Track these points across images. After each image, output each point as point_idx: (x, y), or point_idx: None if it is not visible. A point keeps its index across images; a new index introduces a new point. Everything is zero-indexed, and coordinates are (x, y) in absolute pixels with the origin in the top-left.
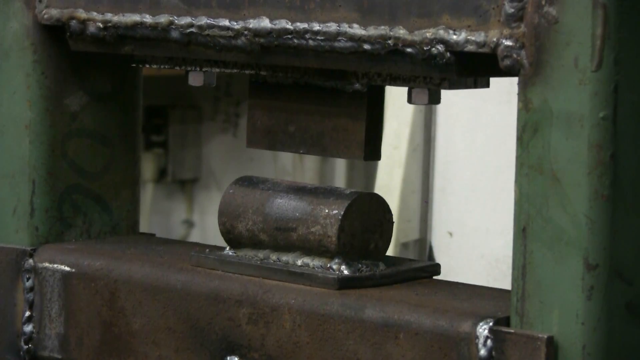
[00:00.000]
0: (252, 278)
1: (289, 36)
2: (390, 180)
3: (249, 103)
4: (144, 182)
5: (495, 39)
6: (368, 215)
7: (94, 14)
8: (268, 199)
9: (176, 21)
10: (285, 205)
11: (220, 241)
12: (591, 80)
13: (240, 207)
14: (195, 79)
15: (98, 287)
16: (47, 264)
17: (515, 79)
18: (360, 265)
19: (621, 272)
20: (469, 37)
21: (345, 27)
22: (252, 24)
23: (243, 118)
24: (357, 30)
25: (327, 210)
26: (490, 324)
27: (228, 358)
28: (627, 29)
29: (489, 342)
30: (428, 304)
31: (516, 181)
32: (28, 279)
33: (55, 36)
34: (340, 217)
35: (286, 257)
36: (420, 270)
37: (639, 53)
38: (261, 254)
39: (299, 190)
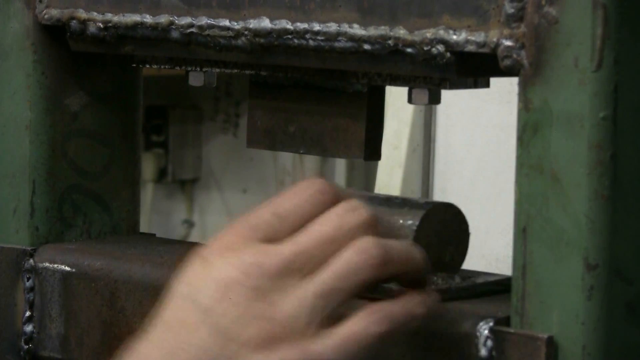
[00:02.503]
0: None
1: (289, 36)
2: (390, 180)
3: (249, 103)
4: (144, 182)
5: (495, 39)
6: (443, 226)
7: (94, 14)
8: None
9: (176, 21)
10: None
11: None
12: (591, 80)
13: None
14: (195, 79)
15: (98, 287)
16: (47, 264)
17: (515, 79)
18: (435, 278)
19: (621, 272)
20: (469, 37)
21: (345, 27)
22: (252, 24)
23: (243, 118)
24: (357, 30)
25: (401, 221)
26: (490, 324)
27: None
28: (627, 29)
29: (489, 342)
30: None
31: (516, 181)
32: (28, 279)
33: (55, 36)
34: (415, 227)
35: None
36: (497, 284)
37: (639, 53)
38: None
39: (371, 201)
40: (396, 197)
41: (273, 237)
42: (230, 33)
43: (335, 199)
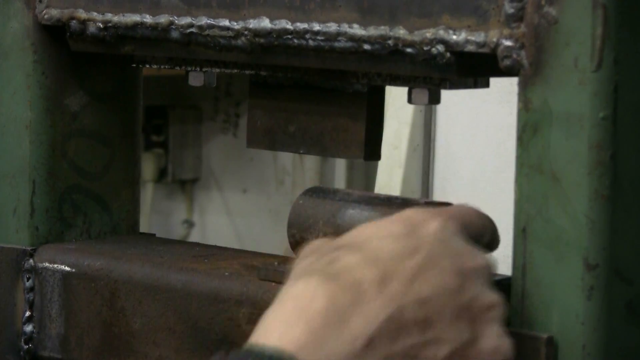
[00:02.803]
0: (252, 278)
1: (289, 36)
2: (390, 180)
3: (249, 103)
4: (144, 182)
5: (495, 39)
6: None
7: (94, 14)
8: (339, 210)
9: (176, 21)
10: (358, 216)
11: (220, 241)
12: (591, 80)
13: (310, 218)
14: (195, 79)
15: (98, 287)
16: (47, 264)
17: (515, 79)
18: None
19: (621, 272)
20: (469, 37)
21: (345, 27)
22: (252, 24)
23: (243, 118)
24: (357, 30)
25: None
26: None
27: None
28: (627, 29)
29: None
30: None
31: (516, 181)
32: (28, 279)
33: (55, 36)
34: None
35: None
36: (495, 284)
37: (639, 53)
38: None
39: (371, 201)
40: (396, 197)
41: None
42: (230, 33)
43: None
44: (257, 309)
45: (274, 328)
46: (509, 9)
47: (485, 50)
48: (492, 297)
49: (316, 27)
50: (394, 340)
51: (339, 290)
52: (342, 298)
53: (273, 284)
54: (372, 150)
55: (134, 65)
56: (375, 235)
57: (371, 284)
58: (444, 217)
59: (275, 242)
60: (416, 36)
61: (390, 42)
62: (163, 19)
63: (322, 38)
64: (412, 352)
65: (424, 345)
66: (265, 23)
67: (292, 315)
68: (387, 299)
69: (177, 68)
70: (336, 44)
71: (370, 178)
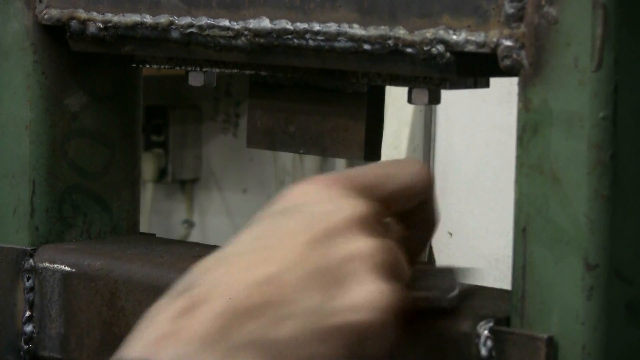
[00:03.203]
0: None
1: (289, 36)
2: None
3: (249, 103)
4: (144, 182)
5: (495, 39)
6: None
7: (94, 14)
8: None
9: (176, 21)
10: None
11: (220, 241)
12: (591, 81)
13: None
14: (195, 79)
15: (98, 287)
16: (47, 264)
17: (515, 79)
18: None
19: (621, 272)
20: (469, 37)
21: (345, 27)
22: (252, 24)
23: (243, 118)
24: (357, 30)
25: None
26: (491, 324)
27: None
28: (627, 29)
29: (489, 342)
30: None
31: (516, 181)
32: (28, 279)
33: (55, 36)
34: None
35: None
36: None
37: (639, 53)
38: None
39: None
40: None
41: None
42: (230, 33)
43: None
44: None
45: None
46: (509, 9)
47: (485, 50)
48: (353, 246)
49: (316, 27)
50: (236, 328)
51: (178, 296)
52: (181, 302)
53: None
54: (372, 150)
55: (134, 65)
56: (243, 235)
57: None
58: (322, 182)
59: None
60: (416, 36)
61: (390, 42)
62: (163, 19)
63: (322, 38)
64: (258, 337)
65: (270, 325)
66: (265, 23)
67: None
68: (224, 292)
69: (177, 68)
70: (336, 44)
71: None
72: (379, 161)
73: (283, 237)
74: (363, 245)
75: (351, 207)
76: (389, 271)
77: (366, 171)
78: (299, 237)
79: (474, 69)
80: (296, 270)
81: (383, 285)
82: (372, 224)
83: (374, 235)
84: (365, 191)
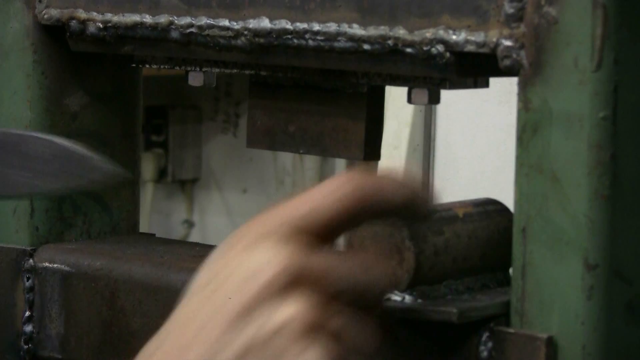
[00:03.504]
0: None
1: (289, 36)
2: None
3: (249, 103)
4: (144, 182)
5: (495, 39)
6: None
7: (94, 14)
8: None
9: (176, 21)
10: None
11: (220, 241)
12: (591, 80)
13: None
14: (195, 79)
15: (98, 287)
16: (47, 264)
17: (515, 79)
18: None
19: (621, 272)
20: (468, 37)
21: (345, 27)
22: (252, 24)
23: (243, 118)
24: (357, 30)
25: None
26: (491, 324)
27: None
28: (627, 29)
29: (489, 342)
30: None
31: (516, 181)
32: (28, 279)
33: (55, 36)
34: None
35: None
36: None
37: (639, 53)
38: None
39: None
40: None
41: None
42: (230, 33)
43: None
44: None
45: None
46: (509, 9)
47: (485, 50)
48: (277, 317)
49: (316, 27)
50: None
51: None
52: None
53: None
54: (372, 150)
55: (134, 65)
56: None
57: None
58: (246, 237)
59: None
60: (416, 36)
61: (390, 42)
62: (163, 19)
63: (322, 38)
64: None
65: None
66: (265, 23)
67: None
68: None
69: (177, 68)
70: (336, 44)
71: None
72: (313, 189)
73: (208, 319)
74: (287, 312)
75: (273, 266)
76: (319, 327)
77: (298, 205)
78: (223, 316)
79: (474, 69)
80: (226, 353)
81: (317, 351)
82: (298, 277)
83: (299, 292)
84: (297, 228)
